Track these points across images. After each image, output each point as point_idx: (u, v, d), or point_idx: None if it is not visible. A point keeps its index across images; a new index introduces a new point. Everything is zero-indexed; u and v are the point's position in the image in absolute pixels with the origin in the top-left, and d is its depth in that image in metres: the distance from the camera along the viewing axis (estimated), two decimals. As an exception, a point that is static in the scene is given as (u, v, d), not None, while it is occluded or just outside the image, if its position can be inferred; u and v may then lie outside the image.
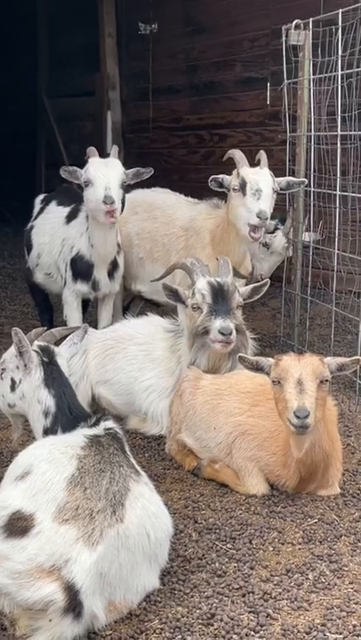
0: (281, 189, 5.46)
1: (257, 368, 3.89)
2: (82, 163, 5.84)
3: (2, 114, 14.57)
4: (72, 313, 5.95)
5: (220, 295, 4.56)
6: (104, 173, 5.37)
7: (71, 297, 5.93)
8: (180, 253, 5.76)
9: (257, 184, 5.23)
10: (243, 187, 5.25)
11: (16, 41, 14.61)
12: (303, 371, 3.69)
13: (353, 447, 4.62)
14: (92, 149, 5.60)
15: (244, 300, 4.74)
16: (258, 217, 5.13)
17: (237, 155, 5.44)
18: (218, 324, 4.44)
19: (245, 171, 5.31)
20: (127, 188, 5.62)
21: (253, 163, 5.46)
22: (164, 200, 6.15)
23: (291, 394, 3.65)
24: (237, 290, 4.67)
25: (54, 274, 6.06)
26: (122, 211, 5.47)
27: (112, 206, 5.25)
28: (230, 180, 5.37)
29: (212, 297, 4.55)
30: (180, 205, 6.04)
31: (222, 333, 4.41)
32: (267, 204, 5.18)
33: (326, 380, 3.73)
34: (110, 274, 5.83)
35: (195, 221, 5.75)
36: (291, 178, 5.59)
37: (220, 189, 5.46)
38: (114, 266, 5.83)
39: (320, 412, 3.71)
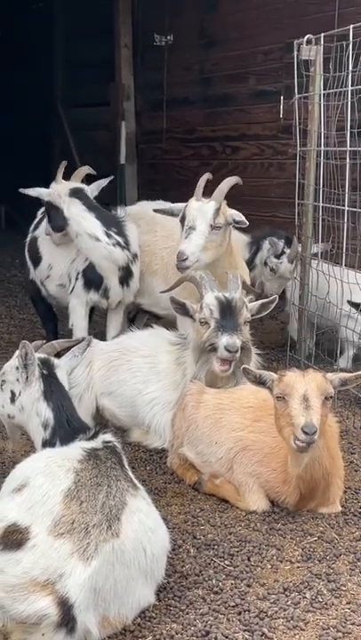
0: (232, 224, 5.26)
1: (260, 382, 3.87)
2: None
3: (17, 122, 14.64)
4: (79, 322, 5.95)
5: (227, 311, 4.53)
6: None
7: (79, 306, 5.94)
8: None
9: (193, 221, 5.11)
10: (182, 220, 5.21)
11: (33, 50, 14.68)
12: (308, 387, 3.67)
13: (356, 465, 4.59)
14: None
15: (252, 315, 4.72)
16: (176, 257, 5.03)
17: (200, 181, 5.34)
18: (224, 340, 4.41)
19: (190, 204, 5.22)
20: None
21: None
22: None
23: (297, 410, 3.62)
24: (246, 305, 4.65)
25: (66, 284, 6.06)
26: (54, 227, 5.87)
27: None
28: (181, 209, 5.31)
29: (220, 312, 4.52)
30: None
31: (228, 350, 4.39)
32: (194, 243, 5.03)
33: (331, 397, 3.72)
34: (123, 281, 5.83)
35: None
36: (235, 215, 5.25)
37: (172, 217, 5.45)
38: (127, 273, 5.84)
39: (322, 429, 3.70)
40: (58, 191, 5.77)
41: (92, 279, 5.84)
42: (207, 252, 5.11)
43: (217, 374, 4.51)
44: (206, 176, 5.40)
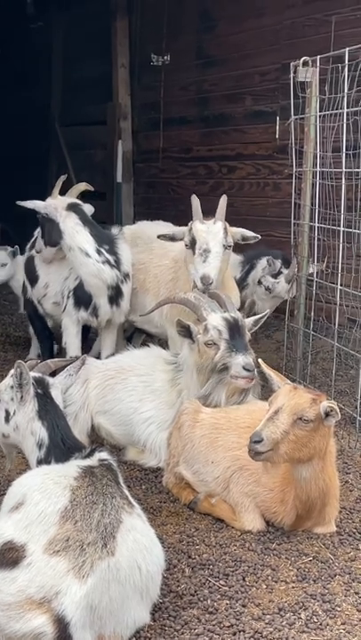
0: (238, 241, 5.37)
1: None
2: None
3: (14, 140, 14.68)
4: (72, 340, 5.96)
5: (235, 330, 4.56)
6: None
7: (71, 324, 5.95)
8: (168, 285, 5.78)
9: (206, 244, 5.16)
10: (192, 244, 5.22)
11: (31, 69, 14.76)
12: (287, 402, 3.70)
13: (351, 484, 4.59)
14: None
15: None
16: (201, 282, 5.07)
17: (194, 204, 5.37)
18: (241, 360, 4.44)
19: (197, 227, 5.25)
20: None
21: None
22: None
23: (262, 420, 3.68)
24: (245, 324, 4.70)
25: (60, 302, 6.08)
26: (47, 241, 5.87)
27: None
28: (184, 233, 5.34)
29: (229, 333, 4.54)
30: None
31: (247, 369, 4.43)
32: (213, 265, 5.11)
33: (306, 420, 3.67)
34: (112, 300, 5.84)
35: (183, 254, 5.74)
36: (244, 231, 5.44)
37: (173, 242, 5.49)
38: (117, 292, 5.85)
39: (287, 448, 3.65)
40: (55, 204, 5.80)
41: (82, 297, 5.85)
42: (219, 271, 5.18)
43: (240, 386, 4.52)
44: (196, 199, 5.43)
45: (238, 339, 4.52)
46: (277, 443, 3.63)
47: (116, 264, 5.78)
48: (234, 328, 4.55)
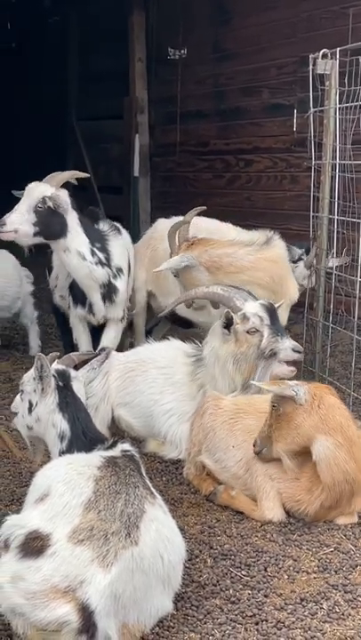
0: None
1: None
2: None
3: (31, 134, 14.74)
4: (80, 336, 5.96)
5: (274, 316, 4.65)
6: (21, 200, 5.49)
7: (76, 320, 5.96)
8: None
9: None
10: None
11: (47, 63, 14.81)
12: None
13: (372, 476, 4.59)
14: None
15: None
16: None
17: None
18: (288, 343, 4.58)
19: None
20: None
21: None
22: (218, 227, 6.13)
23: None
24: None
25: (65, 296, 6.10)
26: (42, 233, 5.44)
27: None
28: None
29: (270, 318, 4.62)
30: (228, 231, 6.07)
31: (297, 351, 4.57)
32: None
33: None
34: (106, 298, 5.78)
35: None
36: None
37: None
38: (109, 289, 5.77)
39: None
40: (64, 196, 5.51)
41: (77, 295, 5.83)
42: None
43: (285, 375, 4.58)
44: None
45: (277, 323, 4.61)
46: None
47: (107, 261, 5.68)
48: (273, 314, 4.61)
